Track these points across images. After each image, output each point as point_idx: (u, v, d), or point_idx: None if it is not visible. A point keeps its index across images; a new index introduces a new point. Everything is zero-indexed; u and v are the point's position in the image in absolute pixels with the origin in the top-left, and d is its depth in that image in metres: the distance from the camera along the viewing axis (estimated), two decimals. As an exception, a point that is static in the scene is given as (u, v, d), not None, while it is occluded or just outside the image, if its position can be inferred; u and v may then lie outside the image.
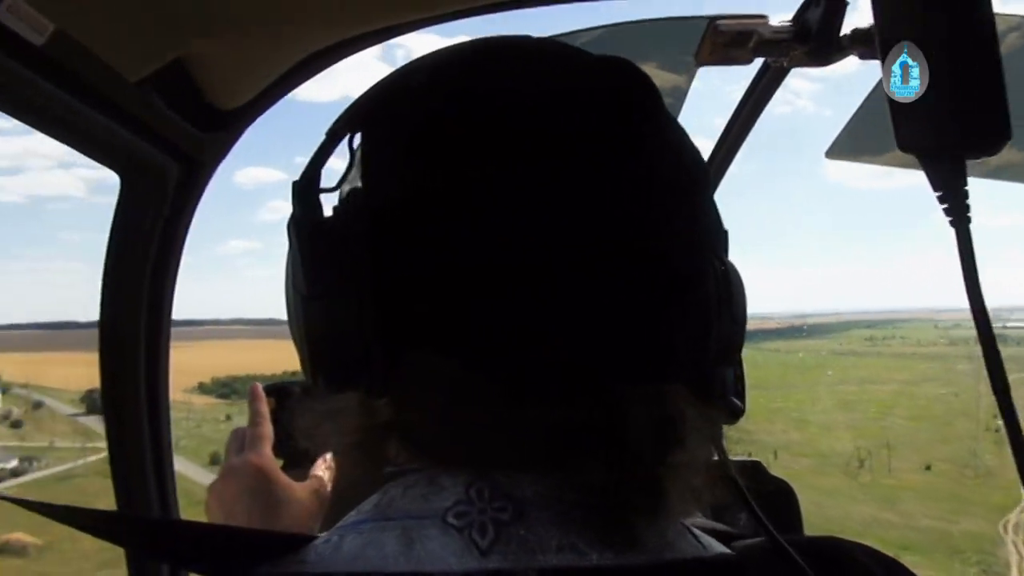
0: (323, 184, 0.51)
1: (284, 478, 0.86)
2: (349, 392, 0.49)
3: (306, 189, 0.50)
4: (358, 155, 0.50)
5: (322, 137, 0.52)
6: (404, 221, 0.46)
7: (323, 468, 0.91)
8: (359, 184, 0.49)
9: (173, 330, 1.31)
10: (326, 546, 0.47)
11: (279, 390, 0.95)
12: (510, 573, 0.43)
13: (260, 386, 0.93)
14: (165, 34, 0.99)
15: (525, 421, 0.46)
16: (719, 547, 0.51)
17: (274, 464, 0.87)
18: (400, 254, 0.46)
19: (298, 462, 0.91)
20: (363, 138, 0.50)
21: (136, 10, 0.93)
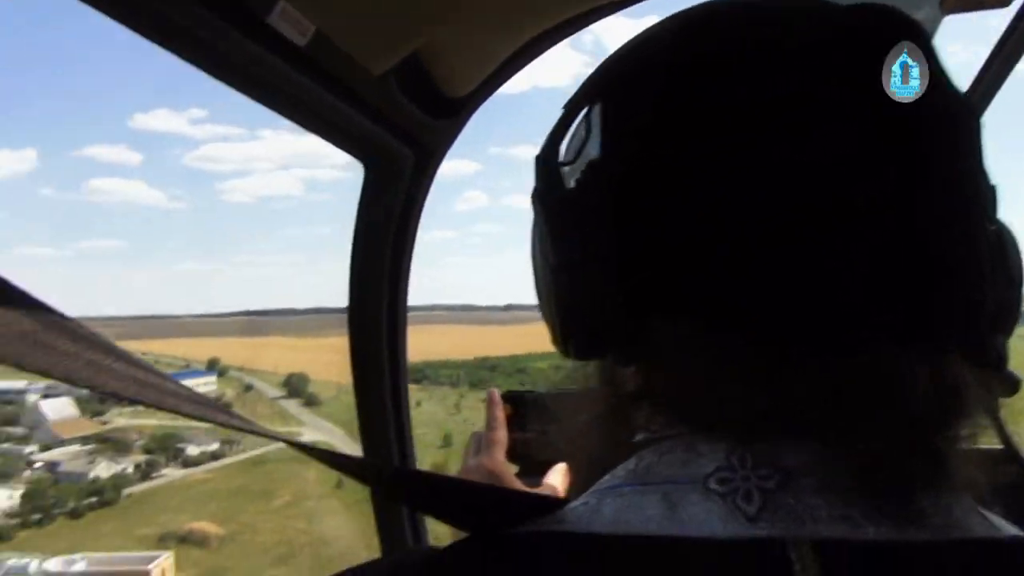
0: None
1: (517, 484, 0.87)
2: (597, 361, 0.50)
3: (547, 163, 0.52)
4: (597, 127, 0.50)
5: (558, 113, 0.52)
6: (648, 188, 0.45)
7: (556, 477, 0.91)
8: (598, 155, 0.49)
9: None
10: (584, 508, 0.47)
11: (515, 398, 0.98)
12: (780, 541, 0.40)
13: (497, 392, 0.95)
14: (404, 28, 1.05)
15: (788, 385, 0.43)
16: (1013, 529, 0.46)
17: (507, 469, 0.88)
18: (645, 221, 0.45)
19: (532, 470, 0.93)
20: (603, 110, 0.50)
21: (382, 8, 1.00)
